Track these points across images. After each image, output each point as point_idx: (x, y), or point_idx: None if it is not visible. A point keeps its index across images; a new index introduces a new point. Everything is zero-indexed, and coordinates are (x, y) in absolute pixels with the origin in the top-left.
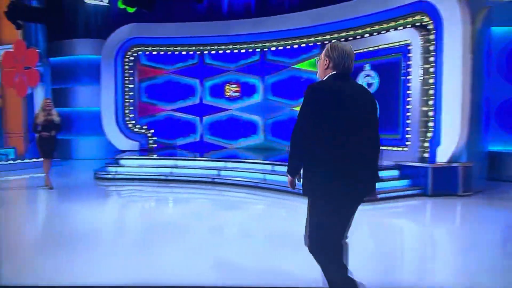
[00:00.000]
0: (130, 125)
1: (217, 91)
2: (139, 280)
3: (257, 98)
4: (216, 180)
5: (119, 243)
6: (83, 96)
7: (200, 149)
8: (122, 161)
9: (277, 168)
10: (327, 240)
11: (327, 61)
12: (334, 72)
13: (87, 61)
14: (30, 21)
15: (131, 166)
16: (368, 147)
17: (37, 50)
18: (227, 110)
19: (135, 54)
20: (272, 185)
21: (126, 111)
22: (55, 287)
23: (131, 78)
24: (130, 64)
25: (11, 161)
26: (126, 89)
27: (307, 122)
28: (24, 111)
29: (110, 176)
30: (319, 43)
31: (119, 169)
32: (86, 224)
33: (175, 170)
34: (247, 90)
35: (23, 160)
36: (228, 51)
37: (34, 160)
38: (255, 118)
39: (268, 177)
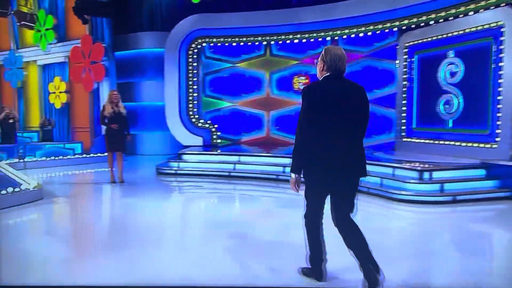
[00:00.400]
0: (193, 120)
1: (285, 84)
2: (208, 279)
3: None
4: (280, 177)
5: (183, 241)
6: (148, 91)
7: (265, 145)
8: (184, 157)
9: None
10: (311, 207)
11: (322, 64)
12: (328, 73)
13: (152, 54)
14: (96, 15)
15: (193, 161)
16: (357, 137)
17: (103, 44)
18: (296, 104)
19: (199, 46)
20: None
21: (190, 106)
22: (55, 287)
23: (195, 71)
24: (194, 56)
25: (78, 156)
26: (190, 83)
27: (305, 121)
28: (91, 106)
29: (172, 171)
30: (396, 29)
31: (181, 164)
32: (147, 220)
33: (238, 166)
34: None
35: (89, 154)
36: (296, 41)
37: (100, 154)
38: None
39: None
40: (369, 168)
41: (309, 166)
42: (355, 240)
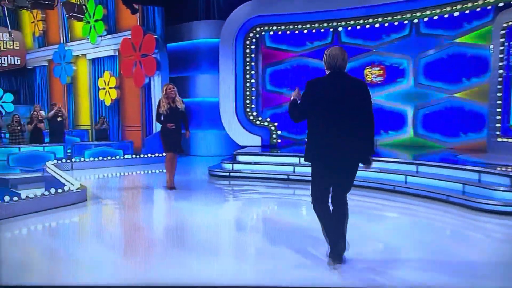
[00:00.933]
0: (251, 117)
1: (356, 76)
2: None
3: (405, 83)
4: None
5: (237, 250)
6: (203, 85)
7: None
8: (239, 158)
9: (421, 169)
10: (316, 191)
11: (325, 65)
12: (330, 71)
13: (206, 45)
14: (146, 4)
15: (249, 163)
16: (359, 126)
17: (154, 35)
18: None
19: (257, 36)
20: (414, 190)
21: (247, 102)
22: (55, 287)
23: (253, 64)
24: (252, 47)
25: (128, 157)
26: (248, 76)
27: (302, 107)
28: (141, 102)
29: (225, 174)
30: (490, 6)
31: (236, 166)
32: (195, 226)
33: (298, 169)
34: (393, 74)
35: (140, 155)
36: (368, 26)
37: (150, 155)
38: (403, 108)
39: (410, 179)
40: (448, 172)
41: (312, 159)
42: (342, 215)
